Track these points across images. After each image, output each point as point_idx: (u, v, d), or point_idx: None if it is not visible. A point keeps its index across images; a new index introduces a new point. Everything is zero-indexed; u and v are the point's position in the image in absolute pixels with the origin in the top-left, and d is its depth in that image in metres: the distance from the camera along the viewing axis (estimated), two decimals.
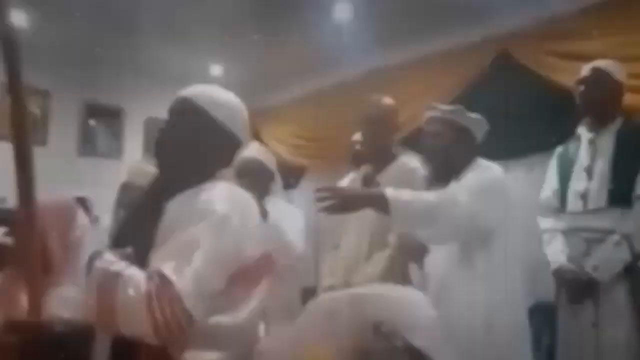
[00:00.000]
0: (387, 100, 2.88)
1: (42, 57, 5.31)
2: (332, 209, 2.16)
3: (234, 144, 1.76)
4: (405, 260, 2.40)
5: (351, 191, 2.40)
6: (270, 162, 3.23)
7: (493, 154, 2.72)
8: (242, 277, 1.52)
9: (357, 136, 3.51)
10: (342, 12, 4.73)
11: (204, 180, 1.65)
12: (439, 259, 2.46)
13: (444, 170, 2.55)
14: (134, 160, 5.12)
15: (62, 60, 5.83)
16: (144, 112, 6.51)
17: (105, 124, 6.59)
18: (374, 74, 5.45)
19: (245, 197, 1.68)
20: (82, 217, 1.90)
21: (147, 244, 1.54)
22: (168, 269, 1.39)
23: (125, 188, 3.75)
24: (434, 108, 2.62)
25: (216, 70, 6.18)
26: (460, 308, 2.27)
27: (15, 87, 0.70)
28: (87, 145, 6.49)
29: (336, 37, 5.00)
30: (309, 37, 5.19)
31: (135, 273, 1.42)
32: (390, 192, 2.18)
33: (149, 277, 1.39)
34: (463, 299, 2.31)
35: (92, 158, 6.46)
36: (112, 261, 1.47)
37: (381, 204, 2.17)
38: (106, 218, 5.80)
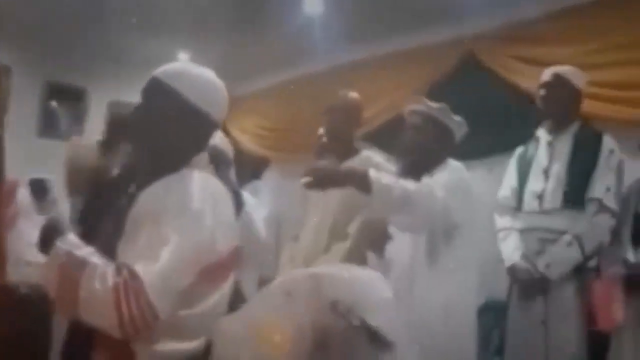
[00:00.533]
0: (352, 95, 2.92)
1: (5, 32, 5.20)
2: (315, 185, 2.16)
3: (209, 126, 1.68)
4: (364, 251, 2.44)
5: (334, 169, 2.39)
6: (230, 152, 3.24)
7: (456, 153, 2.79)
8: (212, 272, 1.49)
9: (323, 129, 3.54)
10: (313, 6, 4.74)
11: (178, 167, 1.59)
12: (405, 248, 2.49)
13: (417, 165, 2.57)
14: (73, 138, 4.98)
15: (25, 36, 5.71)
16: (108, 94, 6.42)
17: (67, 105, 6.47)
18: (342, 68, 5.48)
19: (221, 190, 1.64)
20: (21, 196, 1.82)
21: (115, 232, 1.51)
22: (138, 265, 1.36)
23: (73, 171, 3.58)
24: (420, 101, 2.66)
25: (183, 56, 6.14)
26: (421, 299, 2.32)
27: None
28: (48, 125, 6.37)
29: (305, 30, 5.01)
30: (278, 29, 5.18)
31: (101, 264, 1.38)
32: (373, 172, 2.17)
33: (117, 271, 1.35)
34: (425, 291, 2.36)
35: (53, 139, 6.35)
36: (77, 244, 1.43)
37: (364, 183, 2.15)
38: (64, 202, 5.73)
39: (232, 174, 3.18)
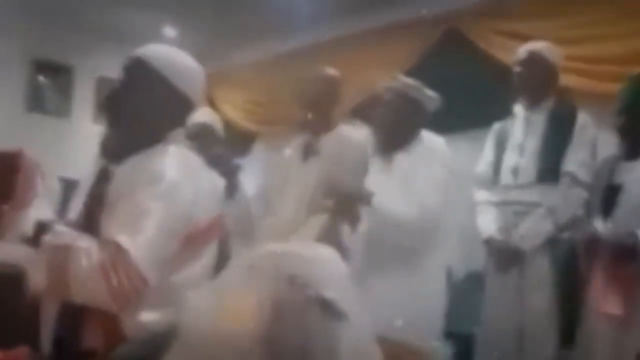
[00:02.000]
0: (330, 71, 2.95)
1: None
2: None
3: (186, 106, 1.74)
4: (339, 224, 2.51)
5: None
6: (220, 128, 3.28)
7: (438, 127, 2.86)
8: (193, 239, 1.56)
9: None
10: None
11: (154, 143, 1.64)
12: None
13: (392, 139, 2.67)
14: None
15: (10, 13, 5.68)
16: (95, 71, 6.41)
17: (54, 81, 6.46)
18: (327, 42, 5.49)
19: (196, 163, 1.69)
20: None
21: (97, 208, 1.57)
22: (121, 236, 1.41)
23: None
24: (394, 78, 2.73)
25: (170, 31, 6.12)
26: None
27: None
28: (35, 101, 6.36)
29: (292, 3, 5.02)
30: (264, 2, 5.19)
31: (86, 244, 1.44)
32: None
33: (103, 246, 1.42)
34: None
35: (40, 115, 6.35)
36: (62, 233, 1.49)
37: None
38: (53, 178, 5.76)
39: (223, 151, 3.23)
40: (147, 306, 1.49)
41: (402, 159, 2.73)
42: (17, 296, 0.71)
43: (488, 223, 3.01)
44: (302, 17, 5.19)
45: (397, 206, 2.56)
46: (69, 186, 4.90)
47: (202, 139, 2.97)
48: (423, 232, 2.62)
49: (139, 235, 1.42)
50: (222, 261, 1.58)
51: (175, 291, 1.51)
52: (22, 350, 0.74)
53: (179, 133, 1.75)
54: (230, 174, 2.84)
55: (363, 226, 2.46)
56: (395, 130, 2.67)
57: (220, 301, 0.94)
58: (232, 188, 2.85)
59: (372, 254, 2.51)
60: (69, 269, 1.40)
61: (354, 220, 2.43)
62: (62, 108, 6.49)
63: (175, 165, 1.58)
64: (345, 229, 2.34)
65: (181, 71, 1.71)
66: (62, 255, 1.42)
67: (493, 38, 4.32)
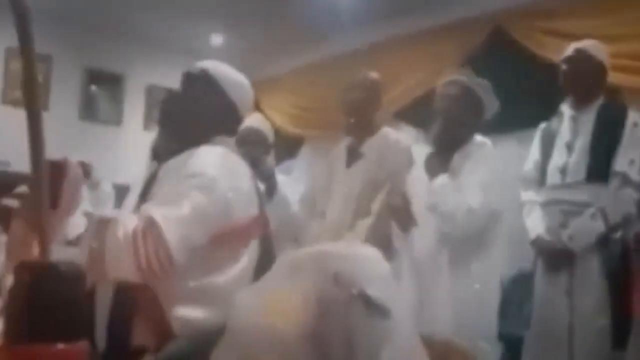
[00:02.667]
0: (371, 74, 2.99)
1: (44, 21, 5.37)
2: None
3: (235, 117, 1.89)
4: (387, 227, 2.53)
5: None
6: (269, 133, 3.34)
7: (484, 127, 2.85)
8: (231, 238, 1.60)
9: None
10: None
11: (200, 144, 1.72)
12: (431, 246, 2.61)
13: (447, 137, 2.66)
14: None
15: (64, 24, 5.88)
16: (145, 79, 6.57)
17: (106, 90, 6.65)
18: (372, 45, 5.52)
19: (238, 163, 1.74)
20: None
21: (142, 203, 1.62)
22: (159, 210, 1.47)
23: None
24: (460, 73, 2.72)
25: (217, 39, 6.24)
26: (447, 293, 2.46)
27: (27, 52, 0.77)
28: (88, 110, 6.56)
29: (335, 8, 5.06)
30: (309, 8, 5.25)
31: (126, 218, 1.51)
32: None
33: (138, 218, 1.47)
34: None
35: (93, 123, 6.54)
36: (107, 213, 1.57)
37: None
38: (106, 183, 5.94)
39: (270, 157, 3.30)
40: (194, 304, 1.53)
41: (457, 159, 2.71)
42: (78, 292, 0.74)
43: (536, 223, 2.98)
44: (345, 21, 5.22)
45: (455, 207, 2.55)
46: (120, 191, 5.06)
47: (251, 143, 3.05)
48: (477, 232, 2.60)
49: (173, 211, 1.47)
50: (266, 262, 1.62)
51: (219, 291, 1.55)
52: (83, 344, 0.79)
53: (228, 139, 1.84)
54: (267, 176, 2.92)
55: (427, 228, 2.48)
56: (453, 125, 2.65)
57: (266, 300, 0.97)
58: (270, 190, 2.93)
59: (431, 253, 2.53)
60: (106, 240, 1.45)
61: (405, 222, 2.45)
62: (113, 116, 6.68)
63: (218, 163, 1.64)
64: (396, 231, 2.36)
65: (237, 86, 1.88)
66: (103, 228, 1.48)
67: (539, 37, 4.28)
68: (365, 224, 2.52)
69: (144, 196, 1.68)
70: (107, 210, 4.95)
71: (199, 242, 1.52)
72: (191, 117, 1.81)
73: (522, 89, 4.38)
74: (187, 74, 1.87)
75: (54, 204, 1.38)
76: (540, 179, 3.05)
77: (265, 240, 1.75)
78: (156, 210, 1.48)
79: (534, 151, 3.14)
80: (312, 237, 2.85)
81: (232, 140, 1.88)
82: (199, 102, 1.82)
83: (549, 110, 3.32)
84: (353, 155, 2.88)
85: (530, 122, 4.01)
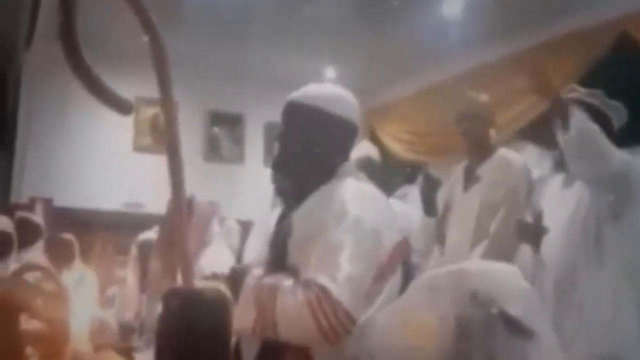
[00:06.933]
0: (482, 97, 2.95)
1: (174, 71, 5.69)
2: None
3: (351, 131, 1.75)
4: (506, 245, 2.46)
5: None
6: (378, 158, 3.37)
7: (617, 139, 2.66)
8: (383, 269, 1.57)
9: None
10: (451, 8, 4.74)
11: (328, 179, 1.67)
12: (566, 248, 2.44)
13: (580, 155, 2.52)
14: None
15: (187, 73, 6.20)
16: (264, 117, 6.77)
17: (227, 130, 6.91)
18: (484, 66, 5.41)
19: (375, 192, 1.70)
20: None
21: (282, 250, 1.63)
22: (322, 278, 1.45)
23: None
24: (572, 90, 2.60)
25: (330, 72, 6.34)
26: (583, 303, 2.28)
27: (167, 100, 0.81)
28: (212, 151, 6.84)
29: (446, 32, 5.01)
30: (418, 34, 5.23)
31: (291, 284, 1.50)
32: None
33: (306, 286, 1.46)
34: (588, 295, 2.30)
35: (217, 163, 6.80)
36: (262, 275, 1.59)
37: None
38: (232, 219, 6.14)
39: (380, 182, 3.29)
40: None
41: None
42: (225, 317, 0.76)
43: None
44: (457, 43, 5.15)
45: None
46: (244, 227, 5.20)
47: (364, 172, 3.04)
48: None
49: (339, 273, 1.46)
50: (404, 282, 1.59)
51: (369, 321, 1.49)
52: None
53: (348, 166, 1.76)
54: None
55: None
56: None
57: (405, 320, 0.95)
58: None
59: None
60: (276, 307, 1.47)
61: (534, 242, 2.35)
62: (235, 155, 6.92)
63: (356, 198, 1.60)
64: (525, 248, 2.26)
65: (333, 98, 1.74)
66: (269, 294, 1.50)
67: None
68: (482, 247, 2.48)
69: (280, 240, 1.67)
70: (234, 242, 5.06)
71: (367, 286, 1.51)
72: (305, 152, 1.71)
73: None
74: (282, 114, 1.76)
75: None
76: None
77: (406, 264, 1.72)
78: (322, 276, 1.47)
79: None
80: (434, 263, 2.80)
81: (351, 165, 1.79)
82: (304, 134, 1.71)
83: None
84: (470, 179, 2.84)
85: None
